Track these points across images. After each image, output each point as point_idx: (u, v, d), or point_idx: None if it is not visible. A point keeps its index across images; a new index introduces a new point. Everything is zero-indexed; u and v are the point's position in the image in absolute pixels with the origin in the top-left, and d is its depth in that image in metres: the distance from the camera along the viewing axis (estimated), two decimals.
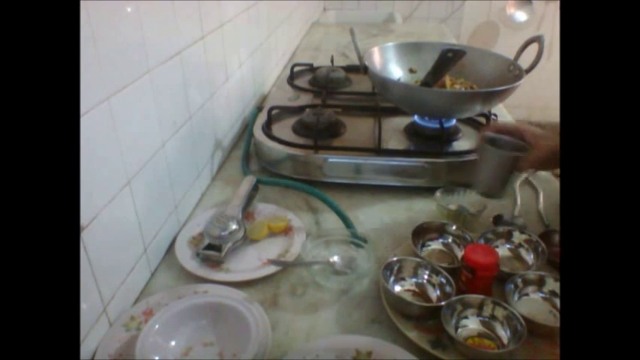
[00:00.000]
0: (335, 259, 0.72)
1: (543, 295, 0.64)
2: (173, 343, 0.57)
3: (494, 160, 0.75)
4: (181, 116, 0.78)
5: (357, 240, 0.74)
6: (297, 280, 0.70)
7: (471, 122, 1.03)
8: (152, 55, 0.66)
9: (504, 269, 0.66)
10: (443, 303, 0.60)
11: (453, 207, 0.83)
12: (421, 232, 0.75)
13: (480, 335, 0.59)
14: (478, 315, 0.61)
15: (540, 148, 0.71)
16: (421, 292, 0.66)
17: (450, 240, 0.75)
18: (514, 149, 0.73)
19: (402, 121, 1.02)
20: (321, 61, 1.49)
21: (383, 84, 0.96)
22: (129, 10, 0.60)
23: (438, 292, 0.65)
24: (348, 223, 0.80)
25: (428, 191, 0.79)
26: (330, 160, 0.90)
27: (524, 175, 0.95)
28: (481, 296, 0.61)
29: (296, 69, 1.34)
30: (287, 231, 0.79)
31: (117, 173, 0.60)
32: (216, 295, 0.63)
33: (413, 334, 0.59)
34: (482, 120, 1.00)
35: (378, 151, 0.90)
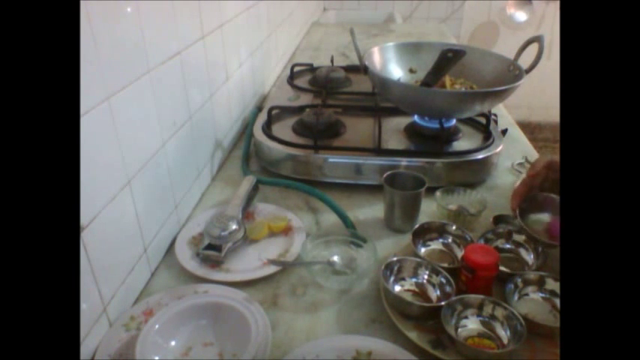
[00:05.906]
0: (335, 259, 0.72)
1: (543, 295, 0.64)
2: (173, 343, 0.57)
3: (394, 199, 0.79)
4: (181, 116, 0.78)
5: (357, 240, 0.74)
6: (297, 280, 0.70)
7: (471, 122, 1.03)
8: (152, 55, 0.66)
9: (504, 269, 0.66)
10: (443, 303, 0.60)
11: (453, 207, 0.83)
12: (421, 232, 0.75)
13: (480, 335, 0.59)
14: (478, 315, 0.61)
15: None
16: (421, 292, 0.66)
17: (450, 240, 0.75)
18: (416, 183, 0.78)
19: (402, 121, 1.02)
20: (321, 61, 1.49)
21: (383, 84, 0.96)
22: (129, 10, 0.60)
23: (438, 292, 0.65)
24: (348, 223, 0.80)
25: (428, 191, 0.79)
26: (330, 160, 0.90)
27: (523, 175, 0.95)
28: (481, 296, 0.61)
29: (296, 69, 1.34)
30: (287, 231, 0.79)
31: (117, 173, 0.60)
32: (216, 295, 0.63)
33: (413, 334, 0.59)
34: (483, 120, 1.00)
35: (378, 151, 0.90)
